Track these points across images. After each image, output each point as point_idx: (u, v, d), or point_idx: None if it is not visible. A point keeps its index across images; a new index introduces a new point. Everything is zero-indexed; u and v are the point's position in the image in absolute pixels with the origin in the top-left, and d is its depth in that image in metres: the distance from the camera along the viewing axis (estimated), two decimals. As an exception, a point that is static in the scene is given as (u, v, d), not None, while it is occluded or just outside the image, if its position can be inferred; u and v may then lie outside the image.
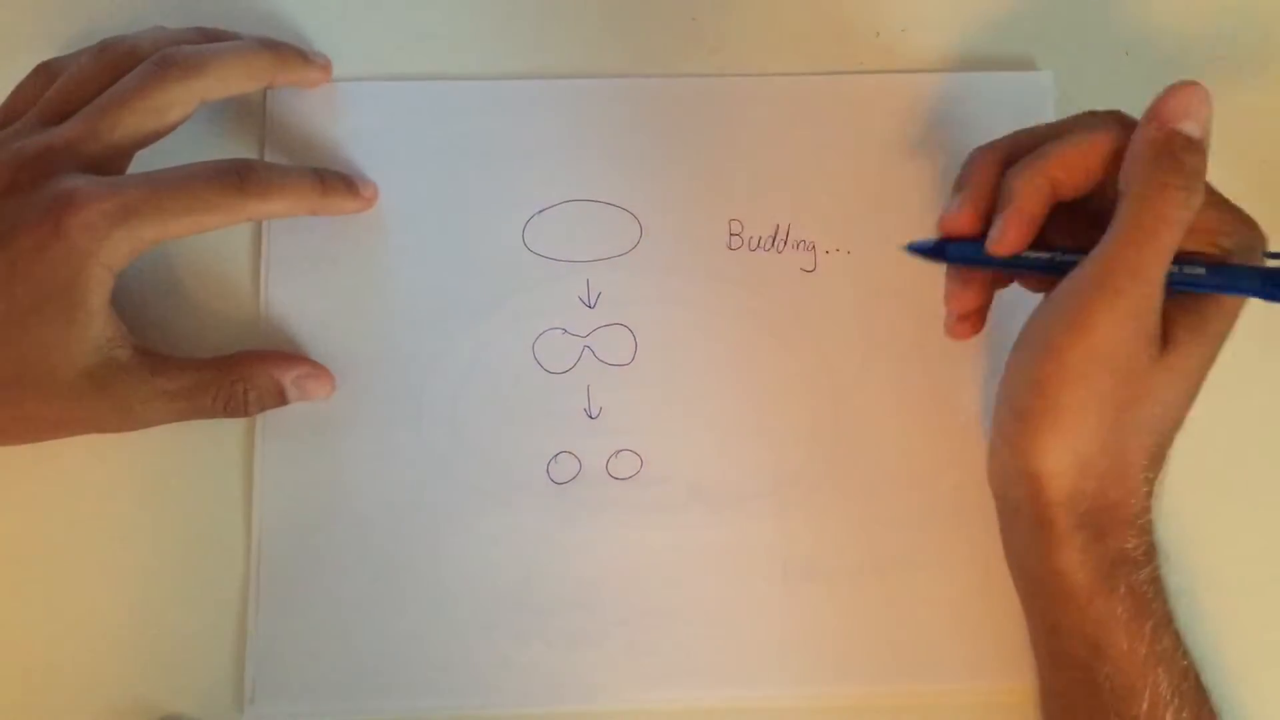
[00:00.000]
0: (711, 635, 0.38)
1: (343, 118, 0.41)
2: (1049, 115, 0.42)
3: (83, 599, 0.38)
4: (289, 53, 0.40)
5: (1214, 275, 0.33)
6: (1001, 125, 0.41)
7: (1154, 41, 0.43)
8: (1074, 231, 0.34)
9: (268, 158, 0.41)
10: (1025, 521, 0.34)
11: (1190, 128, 0.32)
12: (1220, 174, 0.42)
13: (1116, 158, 0.33)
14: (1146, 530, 0.33)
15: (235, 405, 0.37)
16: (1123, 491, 0.33)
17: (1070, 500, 0.33)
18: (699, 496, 0.39)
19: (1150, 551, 0.33)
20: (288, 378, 0.38)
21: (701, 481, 0.39)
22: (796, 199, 0.41)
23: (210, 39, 0.40)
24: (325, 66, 0.41)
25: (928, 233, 0.39)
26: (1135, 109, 0.42)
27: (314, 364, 0.39)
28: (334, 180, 0.39)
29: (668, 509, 0.39)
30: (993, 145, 0.36)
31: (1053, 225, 0.34)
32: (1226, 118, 0.42)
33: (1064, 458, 0.32)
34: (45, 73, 0.39)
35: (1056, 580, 0.33)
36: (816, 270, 0.41)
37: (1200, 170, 0.32)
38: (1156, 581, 0.33)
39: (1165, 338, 0.32)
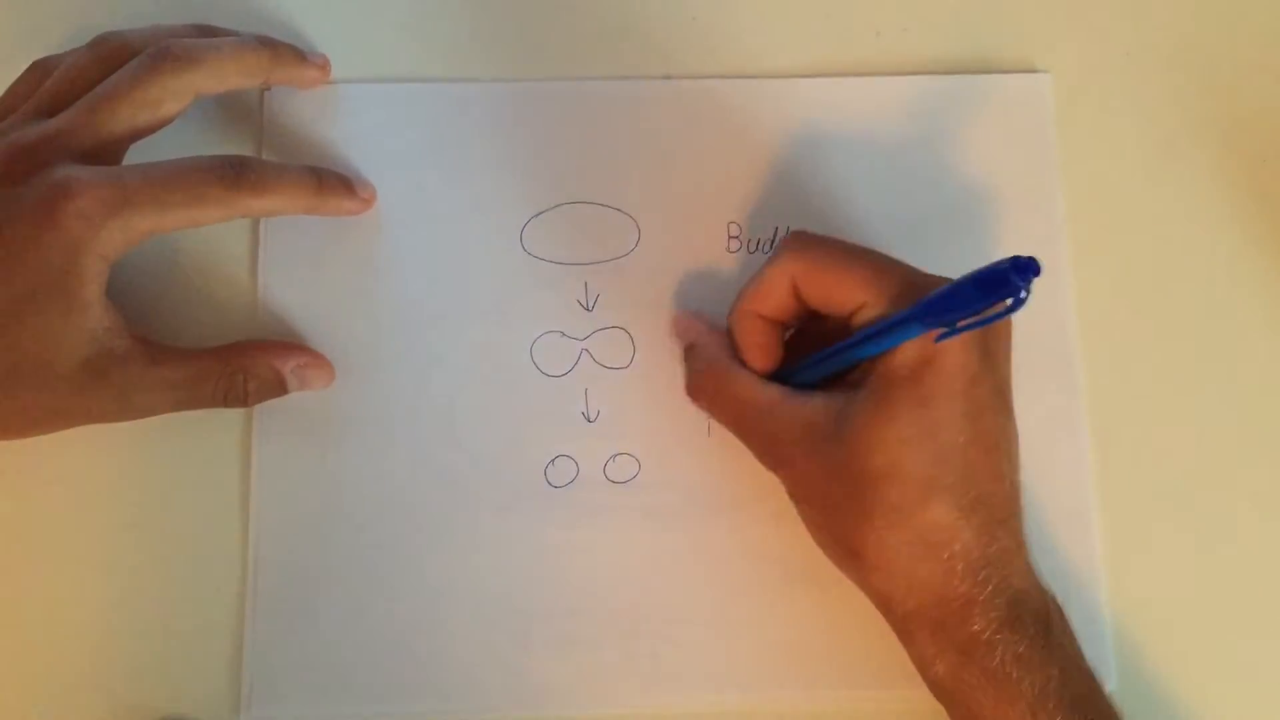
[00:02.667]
0: (709, 639, 0.38)
1: (341, 119, 0.41)
2: (1048, 116, 0.42)
3: (79, 600, 0.38)
4: (286, 51, 0.40)
5: (860, 344, 0.33)
6: (1001, 126, 0.42)
7: (1154, 43, 0.43)
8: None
9: (265, 158, 0.41)
10: (892, 628, 0.34)
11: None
12: (1221, 174, 0.42)
13: (794, 283, 0.35)
14: (992, 607, 0.32)
15: (235, 395, 0.37)
16: (940, 580, 0.32)
17: (900, 600, 0.33)
18: (697, 500, 0.39)
19: (1006, 626, 0.32)
20: (287, 367, 0.38)
21: (699, 485, 0.39)
22: (795, 201, 0.41)
23: (207, 35, 0.40)
24: (323, 66, 0.41)
25: (927, 232, 0.41)
26: (1135, 110, 0.43)
27: (314, 353, 0.39)
28: (331, 180, 0.39)
29: (665, 513, 0.39)
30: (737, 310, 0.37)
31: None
32: (1227, 118, 0.43)
33: (886, 571, 0.33)
34: (40, 69, 0.39)
35: (925, 677, 0.34)
36: (815, 273, 0.41)
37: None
38: (1024, 657, 0.32)
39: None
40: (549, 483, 0.39)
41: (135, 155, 0.37)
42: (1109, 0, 0.44)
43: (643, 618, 0.38)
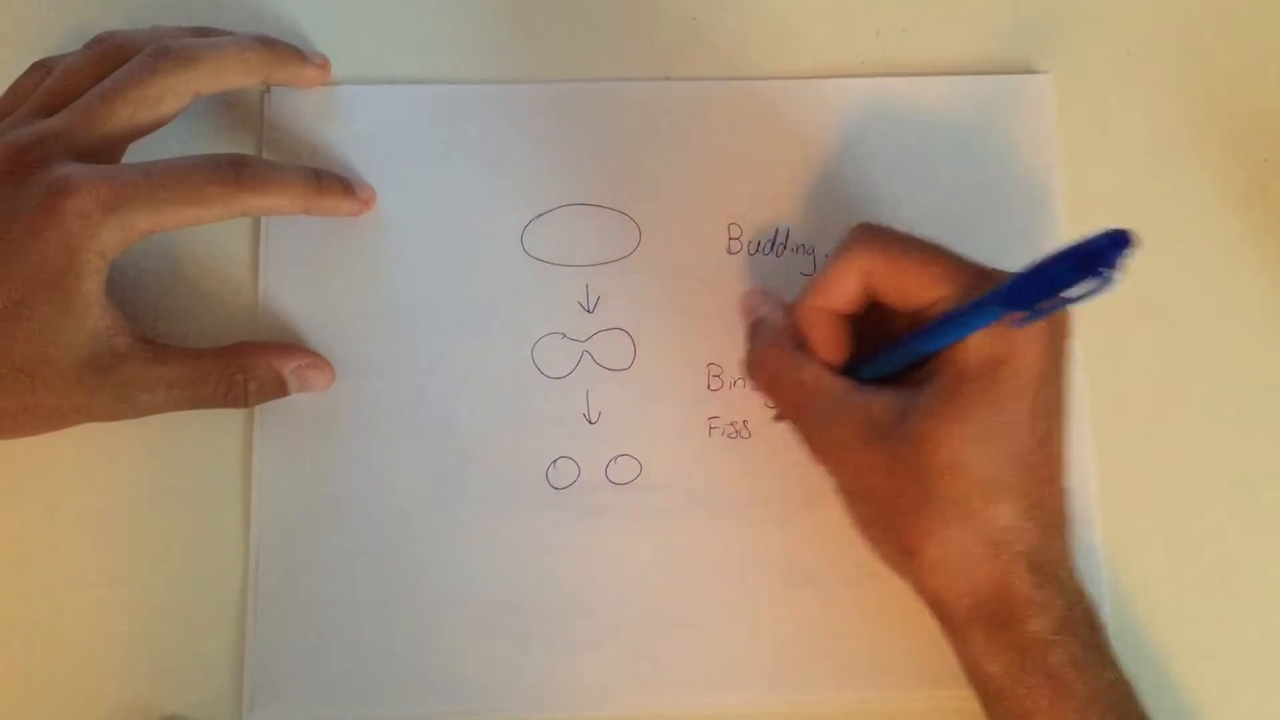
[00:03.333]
0: (710, 641, 0.38)
1: (341, 120, 0.41)
2: (1049, 117, 0.42)
3: (79, 600, 0.38)
4: (285, 50, 0.40)
5: (933, 334, 0.33)
6: (1002, 127, 0.42)
7: (1155, 42, 0.43)
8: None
9: (265, 158, 0.41)
10: (940, 625, 0.34)
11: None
12: (1221, 174, 0.42)
13: (867, 275, 0.34)
14: (1051, 607, 0.32)
15: (235, 395, 0.37)
16: (1002, 577, 0.32)
17: (956, 599, 0.33)
18: (698, 502, 0.39)
19: (1064, 627, 0.32)
20: (288, 368, 0.38)
21: (700, 487, 0.39)
22: (796, 203, 0.41)
23: (206, 35, 0.40)
24: (323, 66, 0.41)
25: (924, 231, 0.39)
26: (1136, 110, 0.43)
27: (314, 355, 0.39)
28: (330, 181, 0.39)
29: (666, 514, 0.39)
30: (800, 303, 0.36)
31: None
32: (1227, 118, 0.43)
33: (944, 569, 0.32)
34: (40, 69, 0.39)
35: (974, 677, 0.33)
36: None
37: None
38: (1081, 660, 0.32)
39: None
40: (550, 484, 0.39)
41: (135, 155, 0.37)
42: (1109, 0, 0.44)
43: (643, 619, 0.38)
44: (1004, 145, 0.42)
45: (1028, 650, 0.32)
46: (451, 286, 0.40)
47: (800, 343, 0.36)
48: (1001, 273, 0.33)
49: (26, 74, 0.39)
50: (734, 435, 0.39)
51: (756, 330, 0.38)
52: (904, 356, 0.34)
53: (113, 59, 0.37)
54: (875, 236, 0.34)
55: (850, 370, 0.35)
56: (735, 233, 0.41)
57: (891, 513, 0.33)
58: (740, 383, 0.40)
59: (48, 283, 0.34)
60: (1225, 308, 0.41)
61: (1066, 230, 0.41)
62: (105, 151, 0.36)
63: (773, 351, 0.36)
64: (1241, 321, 0.41)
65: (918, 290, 0.33)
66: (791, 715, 0.38)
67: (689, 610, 0.38)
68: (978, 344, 0.32)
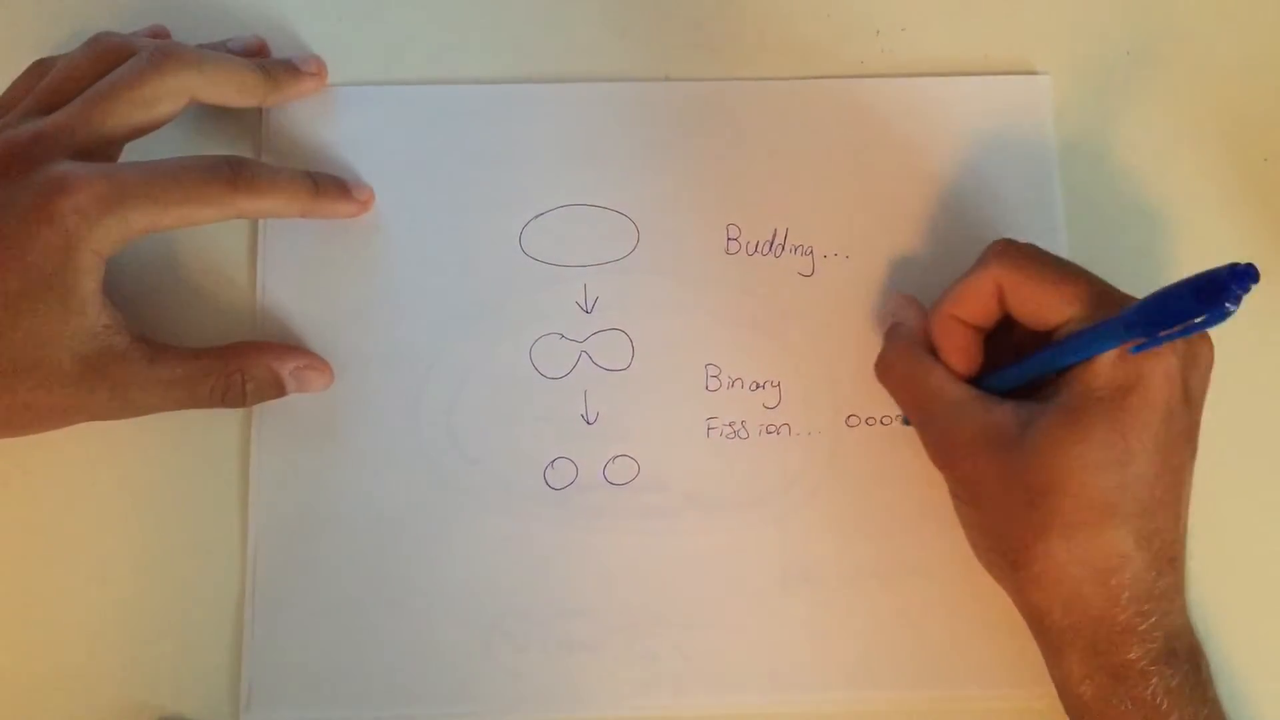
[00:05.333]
0: (709, 642, 0.38)
1: (340, 122, 0.41)
2: (1048, 118, 0.42)
3: (79, 600, 0.38)
4: (282, 74, 0.40)
5: (1058, 353, 0.33)
6: (1001, 128, 0.41)
7: (1155, 42, 0.43)
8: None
9: (263, 160, 0.41)
10: (1039, 644, 0.34)
11: None
12: (1221, 175, 0.42)
13: (1001, 291, 0.35)
14: (1150, 639, 0.32)
15: (233, 395, 0.37)
16: (1104, 605, 0.32)
17: (1056, 618, 0.33)
18: (696, 502, 0.39)
19: (1162, 659, 0.32)
20: (286, 369, 0.38)
21: (698, 487, 0.39)
22: (794, 203, 0.41)
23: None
24: (317, 73, 0.41)
25: (923, 232, 0.41)
26: (1136, 110, 0.42)
27: (313, 356, 0.39)
28: (327, 184, 0.39)
29: (664, 514, 0.39)
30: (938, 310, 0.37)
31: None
32: (1227, 118, 0.43)
33: (1049, 587, 0.32)
34: (39, 69, 0.39)
35: (1066, 697, 0.33)
36: (814, 275, 0.40)
37: None
38: (1176, 691, 0.32)
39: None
40: (548, 484, 0.39)
41: (133, 156, 0.37)
42: (1108, 1, 0.44)
43: (641, 620, 0.38)
44: (1003, 146, 0.42)
45: (1122, 678, 0.32)
46: (450, 287, 0.40)
47: (932, 349, 0.37)
48: (1130, 297, 0.33)
49: (25, 73, 0.39)
50: (732, 436, 0.39)
51: (893, 333, 0.39)
52: (1029, 372, 0.34)
53: (111, 59, 0.37)
54: (1013, 253, 0.35)
55: (976, 381, 0.36)
56: (734, 233, 0.41)
57: (1003, 523, 0.33)
58: (738, 383, 0.40)
59: (45, 280, 0.34)
60: (1225, 308, 0.41)
61: (1067, 231, 0.41)
62: (101, 151, 0.36)
63: (904, 354, 0.37)
64: (1242, 320, 0.41)
65: (1049, 309, 0.34)
66: (790, 715, 0.38)
67: (687, 611, 0.38)
68: (1107, 368, 0.32)
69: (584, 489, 0.39)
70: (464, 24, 0.43)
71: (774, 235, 0.41)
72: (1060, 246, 0.41)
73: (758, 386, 0.40)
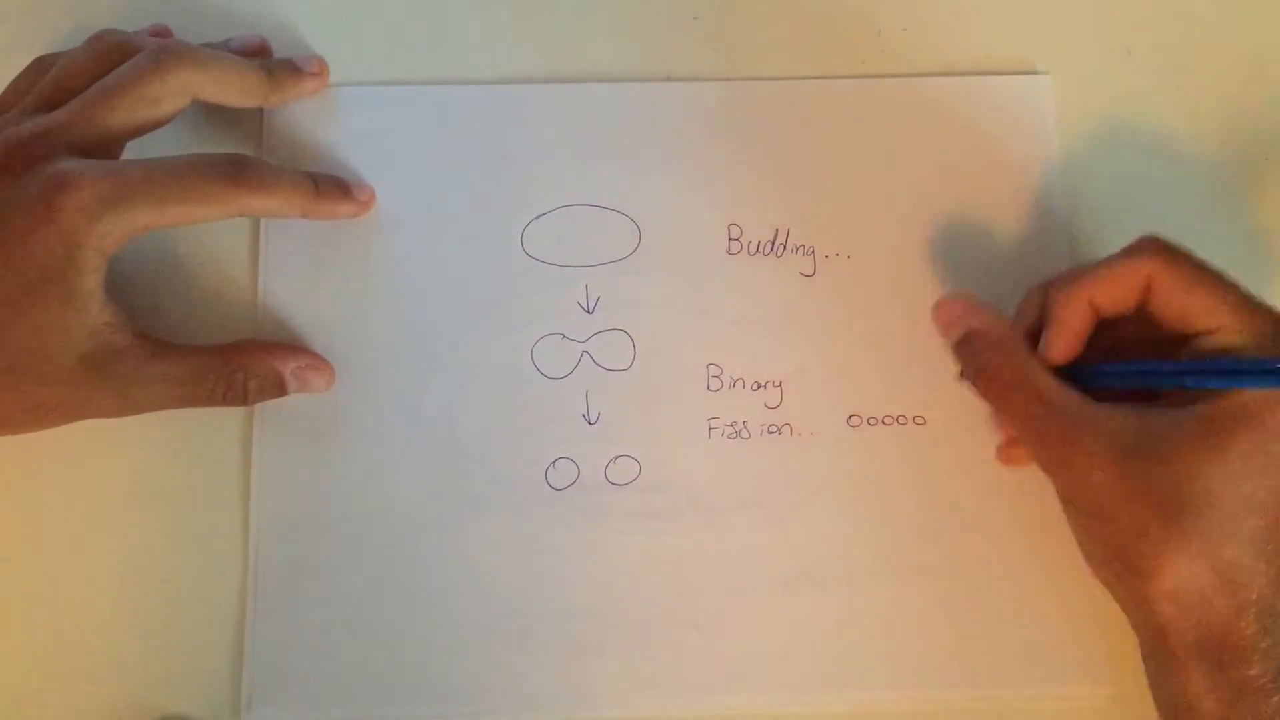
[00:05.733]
0: (710, 642, 0.38)
1: (341, 122, 0.41)
2: (1049, 119, 0.42)
3: (79, 599, 0.38)
4: (284, 76, 0.40)
5: (1207, 373, 0.33)
6: (1002, 128, 0.42)
7: (1155, 42, 0.43)
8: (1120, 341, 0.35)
9: (265, 160, 0.41)
10: (1151, 655, 0.34)
11: None
12: (1221, 175, 0.42)
13: (1150, 284, 0.34)
14: (1271, 655, 0.31)
15: (234, 393, 0.37)
16: (1231, 619, 0.31)
17: (1181, 631, 0.32)
18: (697, 503, 0.39)
19: None
20: (288, 368, 0.38)
21: (700, 487, 0.39)
22: (796, 203, 0.41)
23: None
24: (319, 73, 0.41)
25: (925, 233, 0.40)
26: (1136, 110, 0.42)
27: (314, 355, 0.39)
28: (328, 186, 0.39)
29: (666, 515, 0.39)
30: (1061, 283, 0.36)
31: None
32: (1227, 118, 0.43)
33: (1177, 599, 0.32)
34: (40, 66, 0.39)
35: (1183, 711, 0.33)
36: (816, 275, 0.40)
37: None
38: None
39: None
40: (549, 485, 0.39)
41: (135, 154, 0.37)
42: (1109, 1, 0.44)
43: (642, 620, 0.38)
44: (1005, 145, 0.42)
45: (1244, 693, 0.32)
46: (451, 287, 0.40)
47: (1025, 342, 0.36)
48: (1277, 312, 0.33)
49: (26, 70, 0.39)
50: (733, 436, 0.39)
51: (974, 342, 0.37)
52: (1157, 380, 0.34)
53: (113, 56, 0.37)
54: (1169, 248, 0.34)
55: (1074, 371, 0.35)
56: (735, 233, 0.41)
57: (1126, 534, 0.33)
58: (740, 383, 0.40)
59: (47, 277, 0.34)
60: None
61: (1068, 231, 0.41)
62: (103, 148, 0.36)
63: (1006, 362, 0.36)
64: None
65: (1201, 314, 0.33)
66: (791, 716, 0.38)
67: (688, 611, 0.38)
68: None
69: (585, 489, 0.39)
70: (464, 24, 0.43)
71: (776, 235, 0.41)
72: (1061, 247, 0.41)
73: (759, 387, 0.40)
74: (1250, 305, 0.33)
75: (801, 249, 0.41)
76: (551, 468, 0.39)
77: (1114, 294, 0.35)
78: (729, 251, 0.41)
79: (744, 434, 0.39)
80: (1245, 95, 0.43)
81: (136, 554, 0.38)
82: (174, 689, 0.38)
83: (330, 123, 0.41)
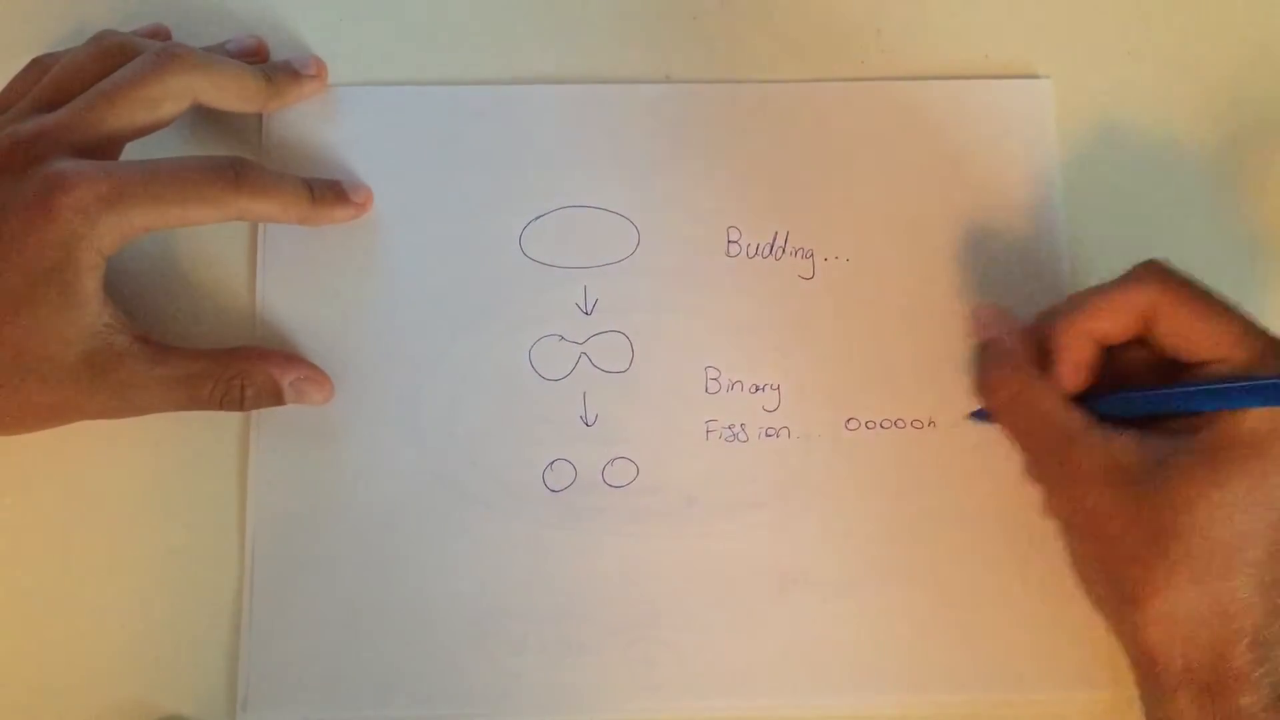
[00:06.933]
0: (707, 645, 0.38)
1: (339, 122, 0.41)
2: (1049, 122, 0.42)
3: (77, 600, 0.38)
4: (284, 81, 0.40)
5: (1205, 397, 0.32)
6: (1002, 132, 0.41)
7: (1155, 44, 0.43)
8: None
9: (263, 162, 0.41)
10: (1141, 680, 0.33)
11: None
12: (1221, 176, 0.42)
13: (1152, 312, 0.34)
14: (1261, 686, 0.31)
15: (232, 399, 0.37)
16: (1222, 647, 0.31)
17: (1170, 658, 0.32)
18: (695, 505, 0.39)
19: (1272, 707, 0.31)
20: (286, 379, 0.38)
21: (697, 490, 0.39)
22: (795, 206, 0.41)
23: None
24: (318, 75, 0.41)
25: (924, 236, 0.40)
26: (1136, 112, 0.42)
27: (314, 368, 0.39)
28: (324, 191, 0.39)
29: (663, 517, 0.39)
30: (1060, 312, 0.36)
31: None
32: (1227, 119, 0.43)
33: (1166, 626, 0.32)
34: (39, 66, 0.39)
35: None
36: (815, 278, 0.40)
37: None
38: None
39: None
40: (547, 486, 0.39)
41: (134, 155, 0.37)
42: (1109, 4, 0.43)
43: (639, 622, 0.38)
44: (1005, 149, 0.41)
45: None
46: (449, 288, 0.40)
47: (1040, 365, 0.35)
48: None
49: (25, 70, 0.39)
50: (731, 438, 0.39)
51: (990, 352, 0.37)
52: (1159, 405, 0.34)
53: (114, 57, 0.37)
54: (1171, 276, 0.34)
55: (1083, 400, 0.35)
56: (734, 235, 0.41)
57: (1121, 559, 0.33)
58: (738, 385, 0.40)
59: (45, 277, 0.34)
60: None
61: (1068, 234, 0.41)
62: (103, 149, 0.36)
63: (1012, 375, 0.36)
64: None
65: (1203, 343, 0.33)
66: (788, 718, 0.38)
67: (685, 613, 0.38)
68: (1255, 413, 0.31)
69: (583, 491, 0.39)
70: (464, 24, 0.43)
71: (774, 238, 0.41)
72: (1061, 250, 0.41)
73: (757, 389, 0.40)
74: (1253, 333, 0.33)
75: (800, 252, 0.41)
76: (549, 469, 0.39)
77: (1114, 324, 0.34)
78: (728, 254, 0.41)
79: (742, 436, 0.39)
80: (1245, 98, 0.43)
81: (134, 555, 0.38)
82: (170, 690, 0.38)
83: (329, 123, 0.41)
